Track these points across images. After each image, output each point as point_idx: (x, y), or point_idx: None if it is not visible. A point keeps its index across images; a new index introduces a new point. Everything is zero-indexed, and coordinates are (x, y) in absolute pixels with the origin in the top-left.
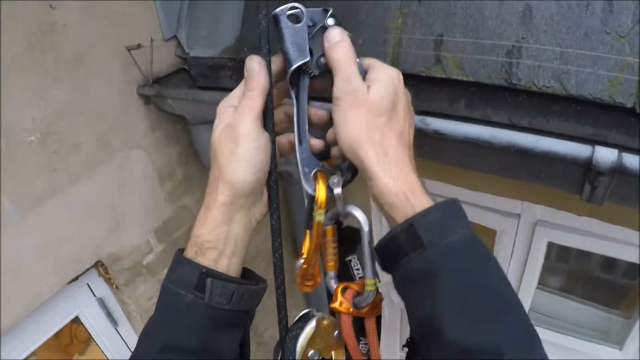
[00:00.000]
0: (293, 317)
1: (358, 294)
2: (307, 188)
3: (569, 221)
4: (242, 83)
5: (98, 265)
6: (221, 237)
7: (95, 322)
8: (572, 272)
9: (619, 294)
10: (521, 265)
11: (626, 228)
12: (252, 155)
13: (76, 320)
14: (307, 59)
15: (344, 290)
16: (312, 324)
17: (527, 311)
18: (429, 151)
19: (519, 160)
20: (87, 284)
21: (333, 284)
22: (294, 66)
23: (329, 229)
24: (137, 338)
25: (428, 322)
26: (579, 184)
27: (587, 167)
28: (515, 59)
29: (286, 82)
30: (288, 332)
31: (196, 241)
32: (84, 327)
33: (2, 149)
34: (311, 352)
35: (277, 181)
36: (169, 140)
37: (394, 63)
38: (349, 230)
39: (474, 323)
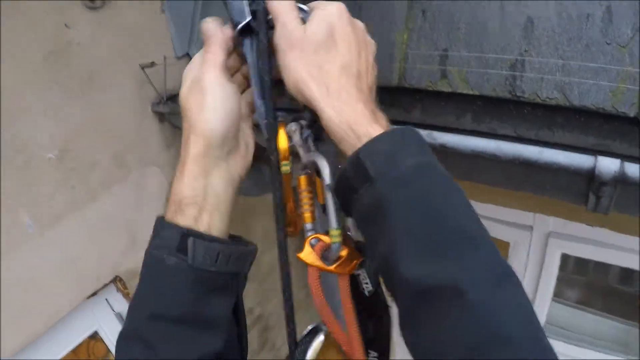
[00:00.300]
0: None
1: (327, 248)
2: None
3: (582, 232)
4: (202, 50)
5: (116, 280)
6: (199, 191)
7: (114, 337)
8: (589, 283)
9: (637, 305)
10: (536, 277)
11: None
12: (220, 104)
13: (94, 336)
14: (248, 18)
15: (314, 241)
16: (321, 338)
17: (543, 324)
18: None
19: (525, 172)
20: (106, 299)
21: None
22: (238, 28)
23: (302, 178)
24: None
25: (385, 261)
26: (583, 194)
27: (591, 177)
28: (519, 71)
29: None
30: (297, 346)
31: (174, 199)
32: (102, 342)
33: (21, 166)
34: None
35: (284, 207)
36: None
37: (400, 78)
38: (358, 244)
39: (429, 258)
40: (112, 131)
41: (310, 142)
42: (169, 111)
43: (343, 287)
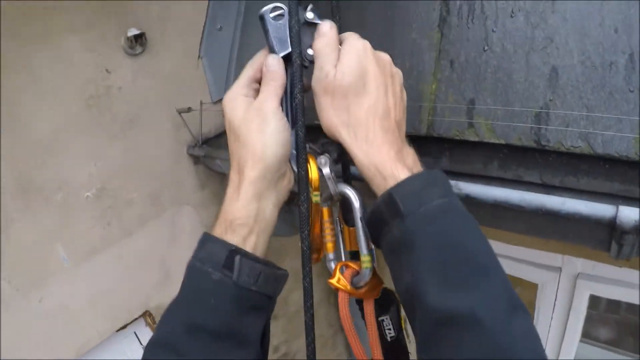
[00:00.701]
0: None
1: (357, 273)
2: (295, 168)
3: (611, 273)
4: (244, 75)
5: (146, 314)
6: (252, 213)
7: None
8: (620, 322)
9: None
10: (564, 318)
11: None
12: (280, 131)
13: None
14: (288, 50)
15: (343, 268)
16: None
17: None
18: None
19: (548, 222)
20: (135, 333)
21: (332, 265)
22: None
23: (325, 210)
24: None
25: (409, 290)
26: (606, 242)
27: (612, 226)
28: (544, 121)
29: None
30: (309, 355)
31: (226, 218)
32: None
33: (60, 202)
34: None
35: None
36: (216, 197)
37: (429, 128)
38: (383, 290)
39: (450, 288)
40: (148, 171)
41: (333, 175)
42: (203, 154)
43: (369, 311)
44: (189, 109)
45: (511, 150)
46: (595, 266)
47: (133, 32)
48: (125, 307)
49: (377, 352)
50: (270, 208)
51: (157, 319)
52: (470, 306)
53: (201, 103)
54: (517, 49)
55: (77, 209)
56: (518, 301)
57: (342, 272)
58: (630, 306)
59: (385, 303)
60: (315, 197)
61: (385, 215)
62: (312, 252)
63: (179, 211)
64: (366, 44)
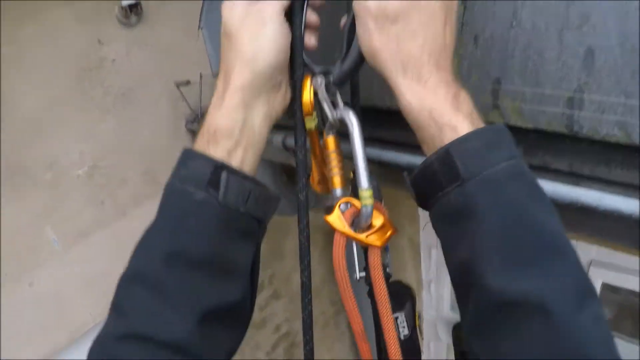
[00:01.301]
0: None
1: (357, 215)
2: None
3: (625, 262)
4: None
5: None
6: (238, 123)
7: None
8: (621, 304)
9: None
10: None
11: None
12: (278, 37)
13: None
14: None
15: (345, 206)
16: None
17: None
18: None
19: (581, 217)
20: None
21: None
22: None
23: (330, 139)
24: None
25: (465, 267)
26: None
27: None
28: (577, 106)
29: None
30: (306, 355)
31: (208, 129)
32: None
33: (49, 182)
34: None
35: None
36: None
37: None
38: (398, 285)
39: (516, 268)
40: (143, 148)
41: (339, 98)
42: None
43: (374, 264)
44: (188, 82)
45: (539, 136)
46: (610, 254)
47: (128, 1)
48: None
49: (387, 322)
50: (259, 121)
51: None
52: (539, 292)
53: (200, 76)
54: (549, 26)
55: (67, 189)
56: (590, 285)
57: (342, 210)
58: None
59: (400, 299)
60: (309, 123)
61: (440, 176)
62: (315, 182)
63: None
64: None
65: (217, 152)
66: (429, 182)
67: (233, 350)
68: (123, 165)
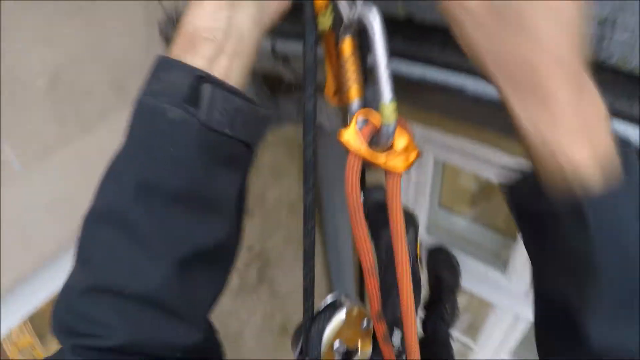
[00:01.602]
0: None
1: (376, 133)
2: None
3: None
4: None
5: None
6: (221, 24)
7: None
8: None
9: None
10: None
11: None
12: None
13: None
14: None
15: (363, 121)
16: (342, 316)
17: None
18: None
19: None
20: None
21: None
22: None
23: (347, 42)
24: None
25: (563, 307)
26: None
27: None
28: (609, 32)
29: None
30: (313, 322)
31: (185, 32)
32: None
33: (5, 95)
34: (336, 342)
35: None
36: None
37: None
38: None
39: (628, 330)
40: (112, 56)
41: None
42: None
43: (393, 191)
44: None
45: None
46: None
47: None
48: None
49: (403, 250)
50: (247, 23)
51: None
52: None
53: None
54: None
55: (26, 102)
56: None
57: (359, 127)
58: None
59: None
60: (323, 22)
61: (562, 218)
62: (331, 93)
63: None
64: None
65: (196, 60)
66: (545, 213)
67: (215, 299)
68: (89, 75)
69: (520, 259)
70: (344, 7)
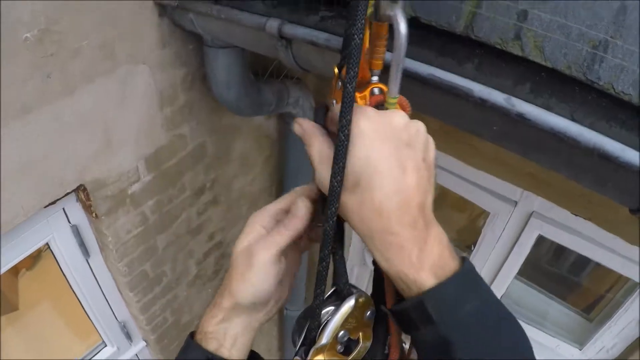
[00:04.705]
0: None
1: (381, 104)
2: None
3: (565, 219)
4: (276, 204)
5: (79, 190)
6: (221, 332)
7: (65, 251)
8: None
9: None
10: (506, 252)
11: (620, 239)
12: (261, 283)
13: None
14: None
15: (377, 91)
16: (351, 303)
17: (500, 297)
18: (497, 132)
19: (593, 165)
20: (63, 209)
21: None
22: None
23: (383, 26)
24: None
25: None
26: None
27: None
28: (600, 57)
29: None
30: (317, 307)
31: (202, 329)
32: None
33: None
34: (341, 332)
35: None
36: (177, 59)
37: (467, 28)
38: None
39: None
40: (104, 16)
41: None
42: (175, 4)
43: None
44: None
45: (550, 76)
46: (552, 208)
47: None
48: (57, 180)
49: None
50: (239, 331)
51: (92, 195)
52: None
53: None
54: None
55: (11, 53)
56: None
57: (372, 94)
58: (573, 266)
59: None
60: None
61: (416, 321)
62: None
63: (132, 70)
64: (369, 117)
65: (209, 347)
66: (407, 322)
67: None
68: (78, 33)
69: None
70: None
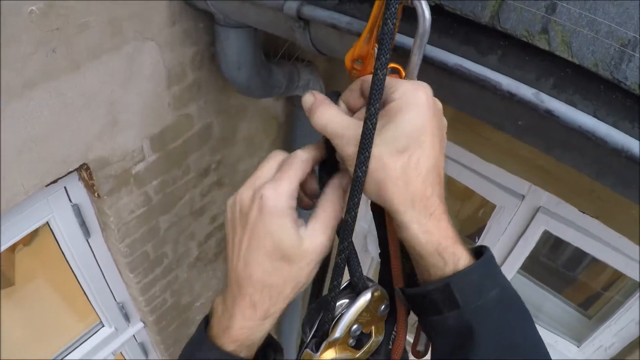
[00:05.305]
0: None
1: None
2: None
3: (572, 215)
4: (293, 178)
5: (82, 168)
6: (249, 339)
7: (65, 230)
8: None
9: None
10: (510, 245)
11: (626, 238)
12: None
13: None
14: None
15: (392, 70)
16: (367, 297)
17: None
18: (521, 127)
19: (619, 166)
20: (65, 188)
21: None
22: None
23: (400, 8)
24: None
25: None
26: None
27: None
28: (628, 56)
29: None
30: (332, 300)
31: (227, 325)
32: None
33: None
34: (355, 326)
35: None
36: (186, 38)
37: (492, 18)
38: None
39: None
40: None
41: None
42: None
43: None
44: None
45: (576, 72)
46: (559, 204)
47: None
48: (59, 158)
49: None
50: (258, 338)
51: (95, 174)
52: None
53: None
54: None
55: (15, 27)
56: None
57: (388, 72)
58: (570, 260)
59: None
60: None
61: (440, 304)
62: (356, 59)
63: (140, 47)
64: (429, 90)
65: (227, 345)
66: (428, 306)
67: None
68: (86, 7)
69: None
70: None
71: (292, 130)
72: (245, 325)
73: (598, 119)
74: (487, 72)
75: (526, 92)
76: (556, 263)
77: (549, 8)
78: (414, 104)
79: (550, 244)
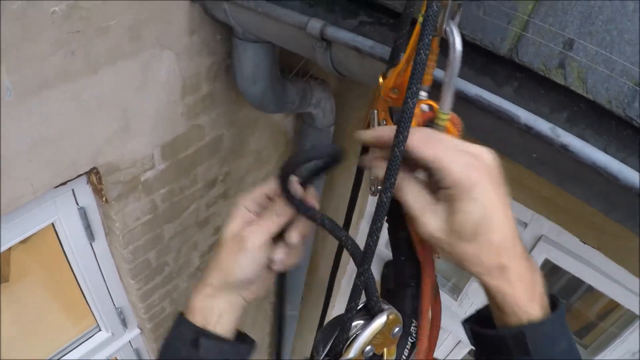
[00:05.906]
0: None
1: (430, 121)
2: None
3: (573, 245)
4: (264, 186)
5: (92, 172)
6: (207, 307)
7: (70, 233)
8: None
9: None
10: None
11: (627, 271)
12: (251, 266)
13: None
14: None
15: (427, 107)
16: (382, 319)
17: None
18: (535, 159)
19: (629, 202)
20: (72, 190)
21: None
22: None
23: (435, 40)
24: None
25: None
26: None
27: None
28: None
29: None
30: (348, 321)
31: (190, 305)
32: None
33: (16, 13)
34: (368, 347)
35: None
36: (204, 48)
37: (511, 49)
38: None
39: None
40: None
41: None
42: None
43: None
44: None
45: (589, 108)
46: (561, 234)
47: None
48: (70, 160)
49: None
50: (225, 307)
51: (104, 179)
52: None
53: None
54: (636, 8)
55: (36, 26)
56: None
57: (423, 111)
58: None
59: None
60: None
61: (511, 349)
62: (393, 88)
63: (158, 55)
64: (478, 167)
65: (196, 320)
66: (498, 348)
67: None
68: (108, 11)
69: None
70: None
71: (301, 146)
72: (201, 290)
73: (609, 154)
74: (506, 104)
75: (543, 126)
76: (552, 289)
77: (567, 44)
78: (467, 189)
79: (546, 271)
